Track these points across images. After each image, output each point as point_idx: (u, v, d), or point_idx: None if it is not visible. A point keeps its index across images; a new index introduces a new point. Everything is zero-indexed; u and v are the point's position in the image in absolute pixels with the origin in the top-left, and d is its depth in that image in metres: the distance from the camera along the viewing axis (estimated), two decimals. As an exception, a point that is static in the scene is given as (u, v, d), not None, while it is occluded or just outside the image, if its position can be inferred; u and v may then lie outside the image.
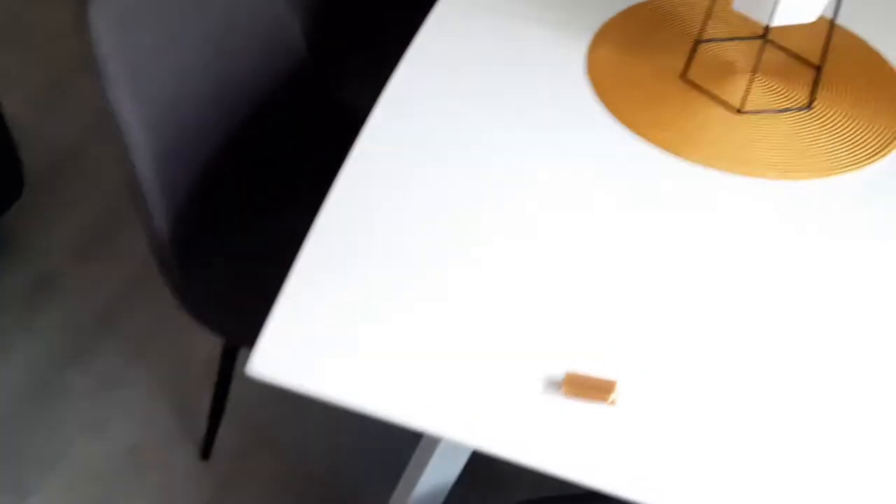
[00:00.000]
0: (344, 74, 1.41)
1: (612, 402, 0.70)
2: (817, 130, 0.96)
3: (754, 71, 0.98)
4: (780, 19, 0.92)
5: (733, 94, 1.01)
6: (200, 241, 1.14)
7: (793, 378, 0.72)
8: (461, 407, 0.69)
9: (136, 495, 1.43)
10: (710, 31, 1.10)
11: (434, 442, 0.84)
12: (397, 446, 1.48)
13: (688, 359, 0.73)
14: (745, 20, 1.12)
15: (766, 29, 1.05)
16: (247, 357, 0.87)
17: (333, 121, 1.31)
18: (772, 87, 1.02)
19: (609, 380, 0.71)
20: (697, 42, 1.03)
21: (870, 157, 0.93)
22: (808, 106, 0.99)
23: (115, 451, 1.48)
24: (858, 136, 0.96)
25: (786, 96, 1.01)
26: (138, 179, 1.02)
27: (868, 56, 1.09)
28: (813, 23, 1.05)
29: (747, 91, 0.97)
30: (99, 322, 1.65)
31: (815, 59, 1.06)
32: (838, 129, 0.97)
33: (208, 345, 1.61)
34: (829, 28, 1.00)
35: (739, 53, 1.07)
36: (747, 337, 0.75)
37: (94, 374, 1.57)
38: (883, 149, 0.94)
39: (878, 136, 0.96)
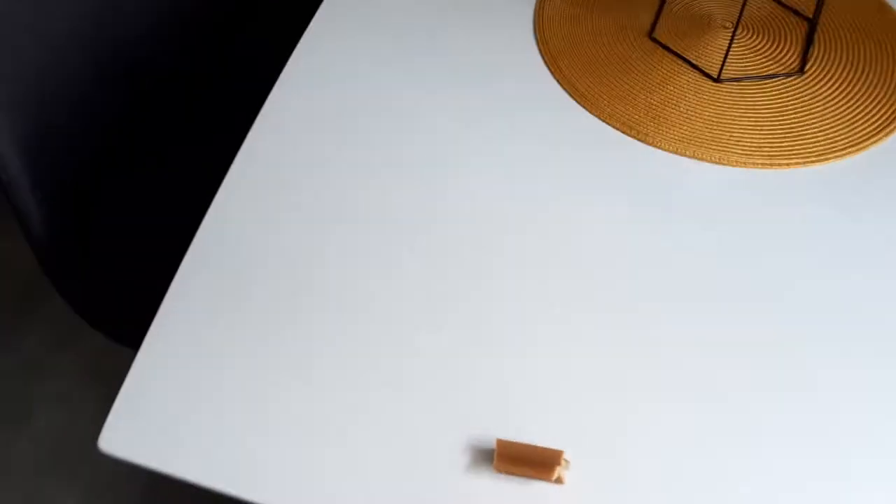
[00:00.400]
0: (252, 35, 1.22)
1: (559, 480, 0.56)
2: (810, 102, 0.80)
3: (736, 26, 0.81)
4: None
5: (710, 57, 0.84)
6: (86, 240, 0.98)
7: (795, 438, 0.58)
8: (359, 492, 0.55)
9: (64, 493, 1.31)
10: (685, -25, 0.92)
11: None
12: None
13: (661, 416, 0.59)
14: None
15: (751, -27, 0.88)
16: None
17: (236, 92, 1.13)
18: (756, 46, 0.85)
19: (553, 449, 0.57)
20: (668, -10, 0.86)
21: (871, 137, 0.77)
22: (800, 70, 0.83)
23: (41, 444, 1.36)
24: (859, 109, 0.80)
25: (773, 58, 0.84)
26: (1, 171, 0.85)
27: (873, 5, 0.92)
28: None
29: (727, 52, 0.81)
30: (21, 302, 1.51)
31: (808, 10, 0.89)
32: (835, 100, 0.80)
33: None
34: (826, -28, 0.83)
35: (718, 2, 0.90)
36: (734, 382, 0.60)
37: (17, 359, 1.44)
38: (887, 125, 0.78)
39: (882, 107, 0.80)
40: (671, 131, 0.76)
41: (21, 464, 1.35)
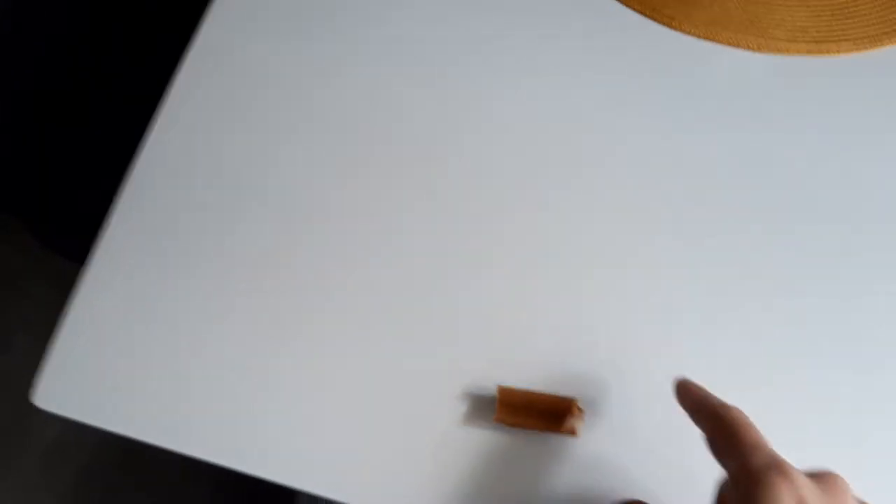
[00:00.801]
0: None
1: (572, 432, 0.48)
2: (864, -27, 0.68)
3: None
4: None
5: (747, -79, 0.71)
6: (39, 160, 0.88)
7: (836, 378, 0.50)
8: (337, 447, 0.47)
9: (46, 419, 1.26)
10: None
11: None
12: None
13: (690, 355, 0.50)
14: None
15: None
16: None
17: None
18: None
19: (565, 397, 0.49)
20: None
21: (938, 14, 0.65)
22: (852, -65, 0.70)
23: (22, 370, 1.29)
24: (921, -20, 0.68)
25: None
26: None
27: None
28: None
29: (766, -85, 0.68)
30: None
31: None
32: (893, -30, 0.68)
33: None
34: None
35: None
36: (782, 315, 0.52)
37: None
38: (956, 0, 0.66)
39: (949, -23, 0.68)
40: (700, 12, 0.65)
41: (1, 391, 1.29)
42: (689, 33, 0.64)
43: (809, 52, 0.63)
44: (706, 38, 0.64)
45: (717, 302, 0.52)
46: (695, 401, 0.42)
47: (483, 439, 0.48)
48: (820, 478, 0.36)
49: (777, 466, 0.35)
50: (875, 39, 0.64)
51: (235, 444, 0.48)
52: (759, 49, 0.63)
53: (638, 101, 0.59)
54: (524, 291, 0.52)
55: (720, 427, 0.39)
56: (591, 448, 0.48)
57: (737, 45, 0.63)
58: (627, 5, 0.65)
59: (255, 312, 0.51)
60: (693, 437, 0.48)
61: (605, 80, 0.60)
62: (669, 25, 0.64)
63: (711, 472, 0.46)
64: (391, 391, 0.49)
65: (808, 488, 0.35)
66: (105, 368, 0.50)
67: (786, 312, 0.52)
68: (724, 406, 0.40)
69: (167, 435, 0.48)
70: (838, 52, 0.63)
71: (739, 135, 0.58)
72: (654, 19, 0.64)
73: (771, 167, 0.57)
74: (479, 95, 0.58)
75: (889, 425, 0.50)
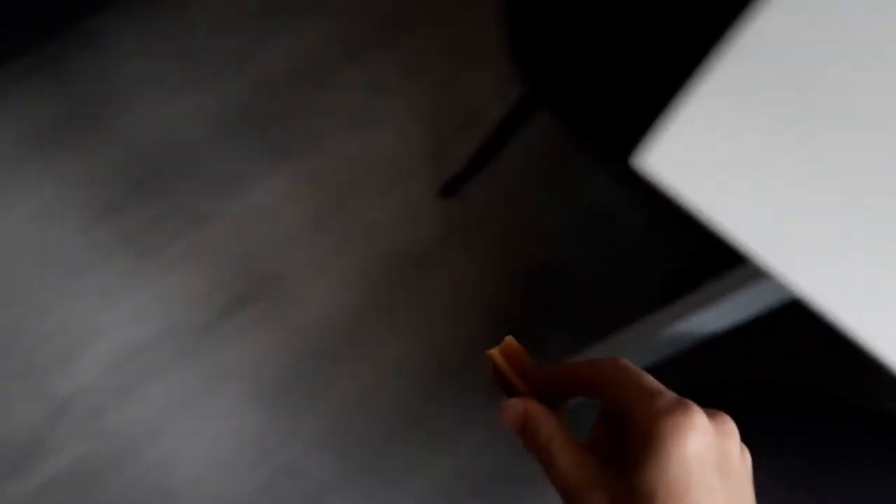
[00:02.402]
0: None
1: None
2: None
3: None
4: None
5: None
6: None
7: None
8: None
9: (369, 201, 1.45)
10: None
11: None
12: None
13: None
14: None
15: None
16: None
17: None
18: None
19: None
20: None
21: None
22: None
23: (364, 155, 1.48)
24: None
25: None
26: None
27: None
28: None
29: None
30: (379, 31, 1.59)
31: None
32: None
33: (478, 95, 1.55)
34: None
35: None
36: None
37: (366, 74, 1.54)
38: None
39: None
40: None
41: (342, 162, 1.44)
42: None
43: None
44: None
45: None
46: (572, 370, 0.41)
47: None
48: (713, 416, 0.38)
49: (683, 407, 0.36)
50: None
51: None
52: None
53: None
54: None
55: (609, 376, 0.39)
56: None
57: None
58: None
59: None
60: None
61: None
62: None
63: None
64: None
65: (708, 431, 0.36)
66: (708, 152, 0.57)
67: None
68: (601, 360, 0.40)
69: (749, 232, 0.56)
70: None
71: None
72: None
73: None
74: None
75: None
